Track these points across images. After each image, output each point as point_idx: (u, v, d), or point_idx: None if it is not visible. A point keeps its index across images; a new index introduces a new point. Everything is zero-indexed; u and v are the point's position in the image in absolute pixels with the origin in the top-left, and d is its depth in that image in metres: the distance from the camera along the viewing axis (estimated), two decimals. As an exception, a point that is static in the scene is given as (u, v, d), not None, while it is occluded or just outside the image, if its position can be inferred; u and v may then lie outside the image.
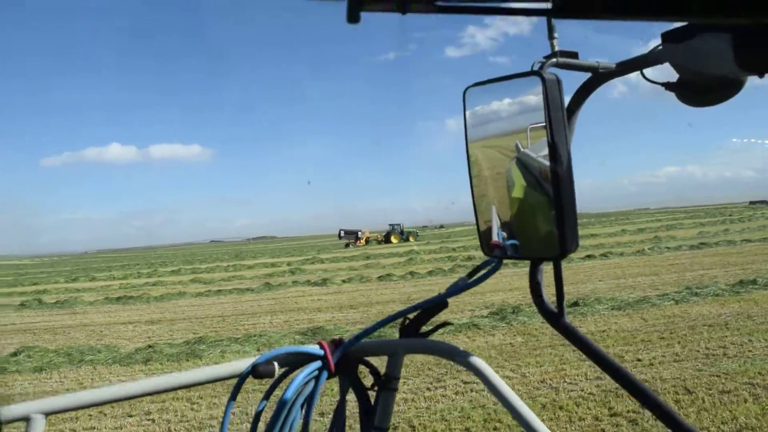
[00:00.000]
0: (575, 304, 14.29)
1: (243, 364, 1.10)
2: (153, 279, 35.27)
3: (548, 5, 0.45)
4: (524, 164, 0.94)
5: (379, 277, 25.55)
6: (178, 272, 39.58)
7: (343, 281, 24.98)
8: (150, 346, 13.32)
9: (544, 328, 12.15)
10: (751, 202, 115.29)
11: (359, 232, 63.97)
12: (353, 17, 0.44)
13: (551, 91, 0.85)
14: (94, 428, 7.75)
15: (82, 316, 20.66)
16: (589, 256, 26.55)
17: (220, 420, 1.20)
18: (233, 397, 1.12)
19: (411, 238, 62.16)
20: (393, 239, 61.13)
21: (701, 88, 0.94)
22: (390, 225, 64.85)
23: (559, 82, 0.86)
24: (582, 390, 7.91)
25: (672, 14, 0.46)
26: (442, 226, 76.94)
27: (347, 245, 61.45)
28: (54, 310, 22.62)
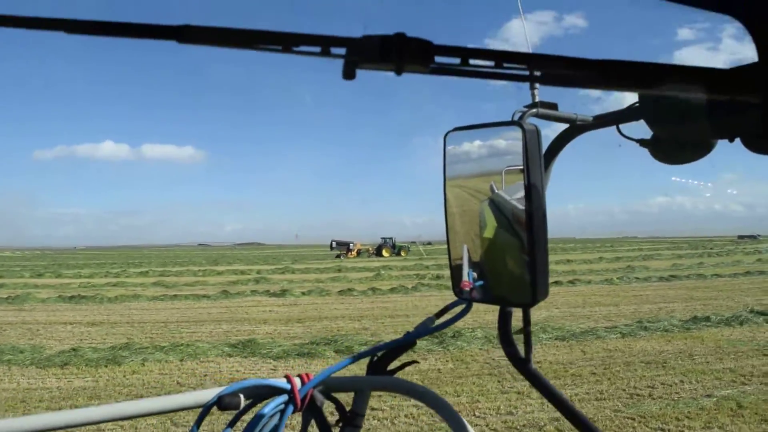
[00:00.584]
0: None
1: (208, 393, 1.06)
2: (117, 279, 34.52)
3: (537, 73, 0.50)
4: (497, 205, 0.95)
5: (340, 291, 25.03)
6: (146, 274, 38.80)
7: (303, 293, 24.42)
8: (74, 349, 12.75)
9: (478, 356, 11.72)
10: (740, 236, 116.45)
11: (351, 244, 63.80)
12: (349, 74, 0.48)
13: (530, 141, 0.86)
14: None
15: (27, 313, 19.99)
16: (556, 282, 26.15)
17: None
18: (197, 427, 1.07)
19: (403, 253, 61.50)
20: (385, 253, 60.69)
21: (674, 147, 0.97)
22: (382, 238, 64.40)
23: (538, 132, 0.88)
24: (487, 425, 7.45)
25: (649, 87, 0.50)
26: (429, 243, 76.43)
27: (338, 256, 61.32)
28: (2, 306, 21.94)
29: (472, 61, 0.49)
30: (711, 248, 63.18)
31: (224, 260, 63.05)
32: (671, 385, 9.20)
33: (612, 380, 9.57)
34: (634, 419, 7.59)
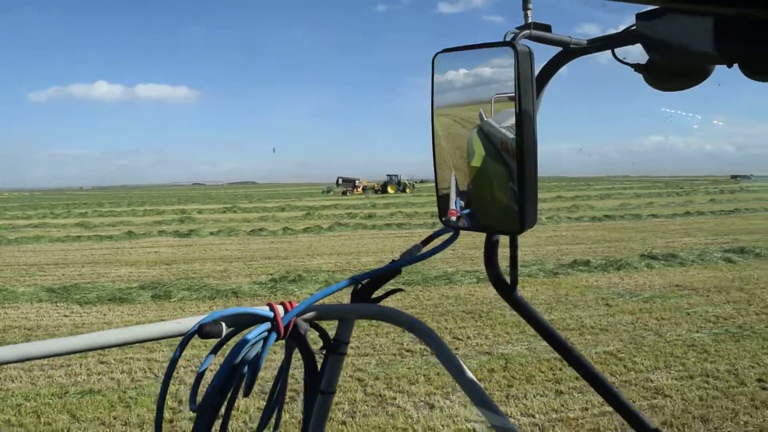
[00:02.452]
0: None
1: (189, 322, 1.02)
2: (40, 221, 33.40)
3: None
4: (486, 134, 0.92)
5: (251, 231, 24.04)
6: (84, 215, 37.75)
7: (210, 233, 23.47)
8: None
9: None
10: (733, 176, 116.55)
11: (356, 181, 64.67)
12: None
13: (522, 63, 0.83)
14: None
15: None
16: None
17: (162, 377, 1.10)
18: (178, 354, 1.02)
19: (407, 190, 61.98)
20: (390, 189, 61.50)
21: (669, 73, 0.94)
22: (388, 175, 64.85)
23: (531, 54, 0.85)
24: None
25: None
26: (422, 181, 75.97)
27: (344, 192, 61.91)
28: None
29: None
30: (681, 188, 62.11)
31: (188, 200, 61.95)
32: (461, 339, 8.26)
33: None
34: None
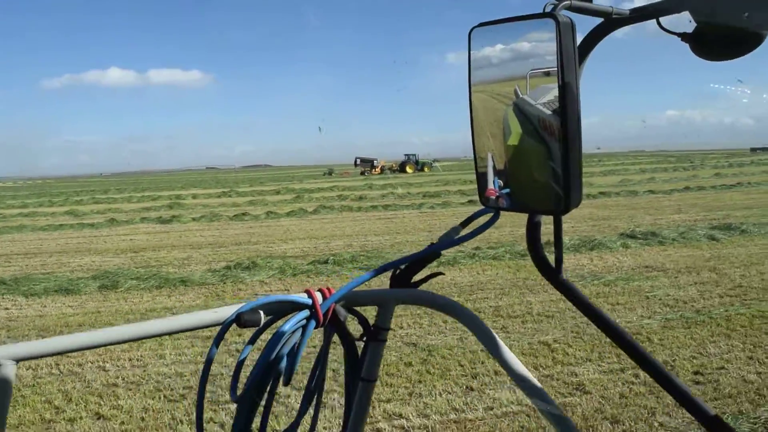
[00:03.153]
0: (324, 262, 12.46)
1: (227, 311, 1.00)
2: (36, 210, 33.36)
3: None
4: (522, 111, 0.89)
5: (234, 215, 23.68)
6: (80, 202, 37.67)
7: (193, 219, 23.15)
8: None
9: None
10: (752, 149, 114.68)
11: (375, 161, 64.72)
12: None
13: (565, 34, 0.80)
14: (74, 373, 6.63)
15: None
16: (471, 201, 24.52)
17: (201, 366, 1.11)
18: (216, 345, 1.01)
19: (426, 169, 62.08)
20: (408, 169, 61.72)
21: (718, 41, 0.90)
22: (405, 155, 65.35)
23: (573, 26, 0.81)
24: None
25: None
26: (435, 160, 75.58)
27: (362, 173, 61.99)
28: None
29: None
30: (691, 162, 60.64)
31: (190, 185, 61.83)
32: (391, 329, 7.77)
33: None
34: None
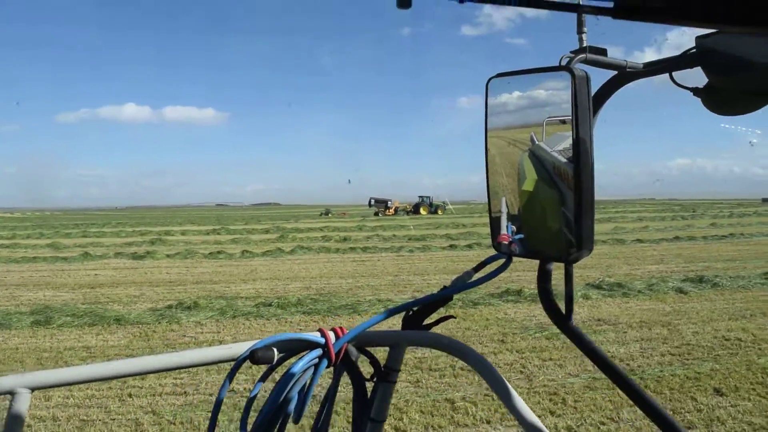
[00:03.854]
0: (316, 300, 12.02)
1: (241, 347, 1.02)
2: (11, 242, 33.15)
3: (609, 4, 0.47)
4: (537, 157, 0.90)
5: (210, 253, 23.33)
6: (67, 236, 37.54)
7: (167, 256, 22.83)
8: None
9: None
10: (764, 199, 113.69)
11: (389, 202, 65.06)
12: (404, 2, 0.47)
13: (580, 88, 0.81)
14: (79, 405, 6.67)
15: None
16: (419, 247, 24.11)
17: (213, 402, 1.15)
18: (229, 380, 1.02)
19: (440, 211, 62.67)
20: (422, 211, 62.25)
21: (729, 97, 0.92)
22: (420, 197, 65.59)
23: (588, 79, 0.83)
24: None
25: (736, 23, 0.47)
26: (444, 202, 75.64)
27: (377, 213, 62.55)
28: None
29: None
30: (694, 211, 59.89)
31: (185, 221, 61.82)
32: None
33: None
34: None
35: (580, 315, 10.92)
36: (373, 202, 66.41)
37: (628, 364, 7.79)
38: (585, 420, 5.88)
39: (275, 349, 1.01)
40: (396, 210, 63.92)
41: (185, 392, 7.10)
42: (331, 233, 34.12)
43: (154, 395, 7.03)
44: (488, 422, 5.86)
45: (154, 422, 6.21)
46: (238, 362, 1.01)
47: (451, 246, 24.88)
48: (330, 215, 66.02)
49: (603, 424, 5.80)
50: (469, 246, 24.94)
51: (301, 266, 19.49)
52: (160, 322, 10.88)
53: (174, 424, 6.18)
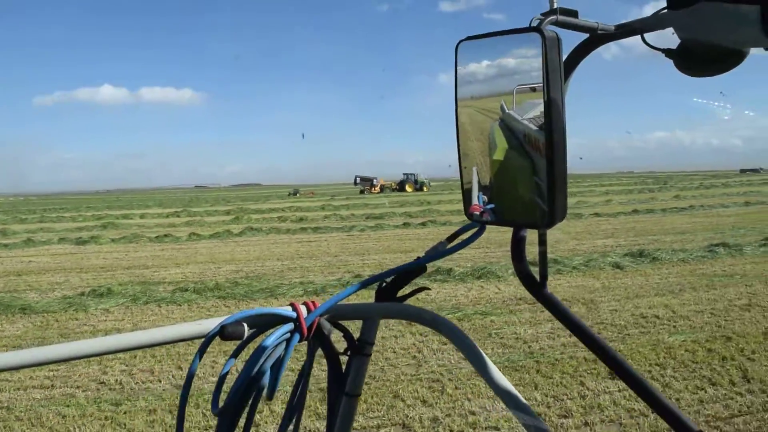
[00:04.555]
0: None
1: (210, 323, 0.99)
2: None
3: None
4: (508, 126, 0.89)
5: (157, 236, 22.71)
6: (24, 221, 36.53)
7: (112, 240, 22.17)
8: None
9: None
10: (742, 170, 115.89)
11: (374, 180, 64.90)
12: None
13: (551, 49, 0.80)
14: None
15: None
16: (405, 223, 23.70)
17: (183, 379, 1.07)
18: (199, 357, 1.01)
19: (425, 188, 62.70)
20: (408, 188, 62.54)
21: (702, 57, 0.92)
22: (404, 174, 65.75)
23: (559, 40, 0.81)
24: None
25: None
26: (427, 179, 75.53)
27: (362, 191, 62.38)
28: None
29: None
30: (665, 183, 60.18)
31: (154, 203, 60.79)
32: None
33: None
34: None
35: (505, 294, 10.58)
36: (358, 180, 66.30)
37: (529, 347, 7.45)
38: (453, 410, 5.51)
39: (245, 325, 1.00)
40: (382, 188, 63.67)
41: (52, 385, 6.68)
42: (291, 213, 33.57)
43: (18, 389, 6.59)
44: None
45: (1, 418, 5.82)
46: (207, 338, 0.99)
47: (405, 224, 24.50)
48: (298, 195, 65.53)
49: (472, 414, 5.43)
50: (423, 224, 24.58)
51: (244, 248, 19.00)
52: (66, 311, 10.34)
53: (21, 420, 5.77)
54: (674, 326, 8.25)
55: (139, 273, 14.45)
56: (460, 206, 0.97)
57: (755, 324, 8.10)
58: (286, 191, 77.78)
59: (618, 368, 0.96)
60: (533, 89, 0.82)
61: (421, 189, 61.91)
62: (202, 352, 0.99)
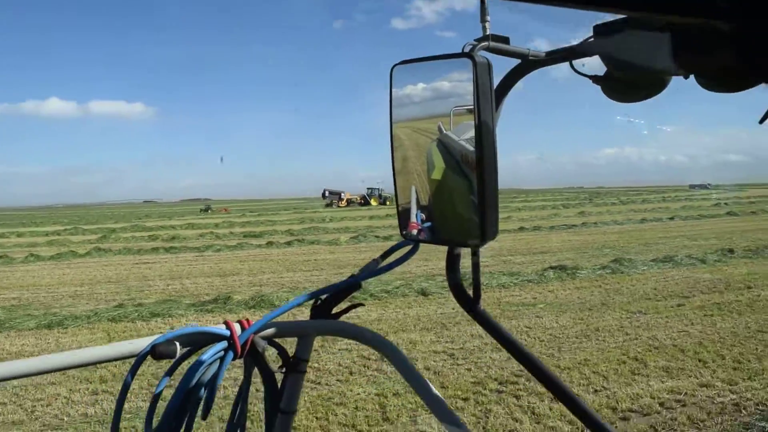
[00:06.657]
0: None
1: (142, 343, 0.98)
2: None
3: None
4: (445, 146, 0.91)
5: (87, 252, 21.40)
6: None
7: (51, 257, 20.55)
8: None
9: None
10: (691, 186, 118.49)
11: (342, 193, 67.04)
12: None
13: (481, 74, 0.82)
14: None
15: None
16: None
17: (116, 399, 1.03)
18: (131, 375, 0.99)
19: (388, 202, 63.48)
20: (372, 202, 64.63)
21: (626, 85, 0.95)
22: (368, 188, 68.06)
23: (489, 66, 0.83)
24: None
25: (612, 6, 0.48)
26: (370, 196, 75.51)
27: (330, 204, 65.01)
28: None
29: None
30: (590, 200, 60.92)
31: (104, 219, 57.36)
32: None
33: None
34: None
35: (428, 312, 9.16)
36: (327, 193, 68.01)
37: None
38: None
39: (177, 344, 0.97)
40: (348, 201, 65.54)
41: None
42: (164, 232, 31.77)
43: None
44: None
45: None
46: (139, 358, 0.96)
47: (269, 243, 23.25)
48: (210, 211, 64.39)
49: None
50: (288, 243, 23.36)
51: (69, 271, 17.50)
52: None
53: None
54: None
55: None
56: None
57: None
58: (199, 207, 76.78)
59: (547, 382, 1.03)
60: (470, 110, 0.81)
61: (384, 203, 62.77)
62: (134, 370, 0.96)
